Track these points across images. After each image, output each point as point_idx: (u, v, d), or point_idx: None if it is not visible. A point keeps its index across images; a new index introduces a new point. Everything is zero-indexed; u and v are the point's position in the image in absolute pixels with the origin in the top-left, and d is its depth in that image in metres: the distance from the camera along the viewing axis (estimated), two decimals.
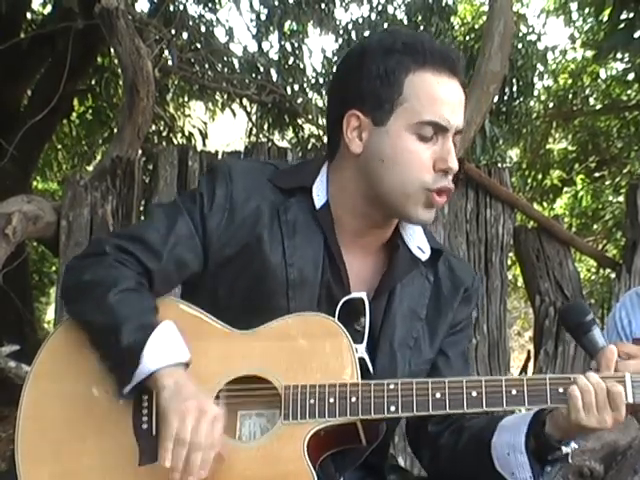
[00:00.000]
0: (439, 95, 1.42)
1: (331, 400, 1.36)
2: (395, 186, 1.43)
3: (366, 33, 5.83)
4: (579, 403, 1.32)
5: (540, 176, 8.45)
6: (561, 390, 1.35)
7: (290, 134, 6.54)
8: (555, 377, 1.37)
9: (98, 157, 6.59)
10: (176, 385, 1.33)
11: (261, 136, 6.32)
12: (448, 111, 1.42)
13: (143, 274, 1.45)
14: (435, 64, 1.43)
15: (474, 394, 1.36)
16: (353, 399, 1.36)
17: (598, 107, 8.47)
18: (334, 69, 5.92)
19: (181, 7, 5.62)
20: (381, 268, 1.54)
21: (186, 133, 6.71)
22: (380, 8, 6.05)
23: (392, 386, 1.37)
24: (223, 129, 8.26)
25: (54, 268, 7.65)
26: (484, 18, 5.79)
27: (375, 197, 1.46)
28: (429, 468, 1.58)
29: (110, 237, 1.52)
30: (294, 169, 1.61)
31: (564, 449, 1.37)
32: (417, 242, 1.55)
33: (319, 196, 1.50)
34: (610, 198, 8.08)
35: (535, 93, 6.95)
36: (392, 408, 1.36)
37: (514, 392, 1.36)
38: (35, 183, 7.63)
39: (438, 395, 1.36)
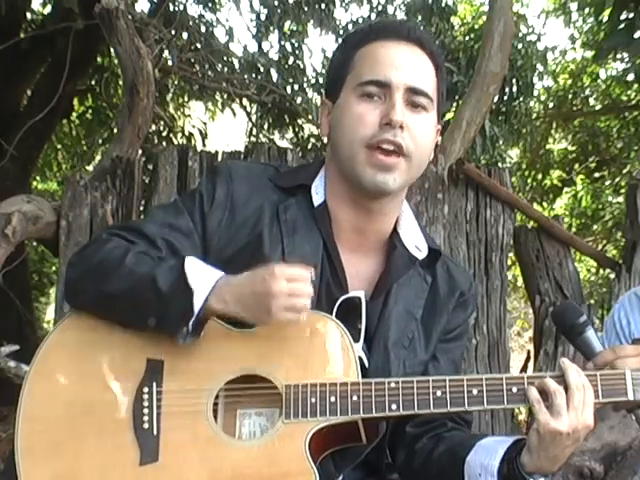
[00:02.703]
0: (381, 56, 1.46)
1: (332, 399, 1.36)
2: (344, 148, 1.46)
3: None
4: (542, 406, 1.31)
5: (540, 176, 8.45)
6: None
7: (290, 134, 6.54)
8: (554, 375, 1.37)
9: (98, 157, 6.60)
10: (233, 287, 1.33)
11: (261, 136, 6.32)
12: (389, 68, 1.44)
13: None
14: (384, 35, 1.48)
15: (475, 392, 1.36)
16: (354, 398, 1.36)
17: (598, 107, 8.47)
18: None
19: (181, 7, 5.62)
20: (380, 268, 1.54)
21: (186, 133, 6.71)
22: (380, 8, 6.06)
23: (393, 385, 1.37)
24: (223, 129, 8.27)
25: (54, 268, 7.66)
26: (484, 18, 5.79)
27: (341, 172, 1.49)
28: (402, 469, 1.57)
29: (107, 229, 1.53)
30: (295, 169, 1.63)
31: None
32: (414, 241, 1.56)
33: (317, 194, 1.52)
34: (610, 198, 8.08)
35: (535, 93, 6.95)
36: (393, 407, 1.36)
37: (515, 390, 1.36)
38: (35, 183, 7.64)
39: (439, 393, 1.36)
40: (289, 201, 1.51)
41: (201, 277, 1.34)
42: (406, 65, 1.45)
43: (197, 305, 1.33)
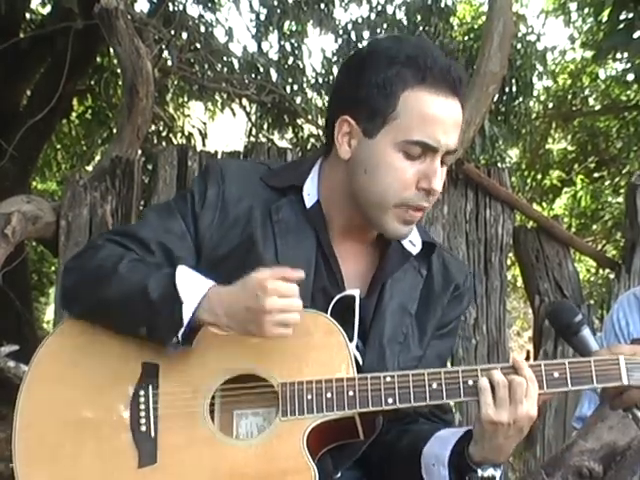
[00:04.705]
0: (432, 115, 1.39)
1: (328, 395, 1.36)
2: (374, 199, 1.43)
3: (365, 33, 5.84)
4: (489, 397, 1.32)
5: (539, 176, 8.45)
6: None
7: (290, 134, 6.53)
8: (550, 363, 1.37)
9: (97, 157, 6.60)
10: (224, 299, 1.33)
11: (261, 136, 6.31)
12: (439, 131, 1.39)
13: None
14: (434, 82, 1.40)
15: (470, 383, 1.36)
16: (350, 393, 1.37)
17: (597, 107, 8.48)
18: (334, 69, 5.94)
19: (181, 7, 5.62)
20: (374, 264, 1.54)
21: (185, 133, 6.71)
22: (379, 8, 6.05)
23: (389, 379, 1.37)
24: (223, 129, 8.27)
25: (53, 268, 7.66)
26: (483, 18, 5.78)
27: (358, 205, 1.47)
28: (372, 462, 1.56)
29: (103, 234, 1.54)
30: (286, 168, 1.61)
31: (480, 472, 1.36)
32: (408, 236, 1.55)
33: (310, 195, 1.51)
34: (609, 198, 8.08)
35: (534, 93, 6.95)
36: (390, 400, 1.36)
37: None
38: (34, 183, 7.64)
39: (435, 385, 1.37)
40: (281, 201, 1.50)
41: (191, 288, 1.35)
42: (451, 127, 1.41)
43: (186, 316, 1.33)
